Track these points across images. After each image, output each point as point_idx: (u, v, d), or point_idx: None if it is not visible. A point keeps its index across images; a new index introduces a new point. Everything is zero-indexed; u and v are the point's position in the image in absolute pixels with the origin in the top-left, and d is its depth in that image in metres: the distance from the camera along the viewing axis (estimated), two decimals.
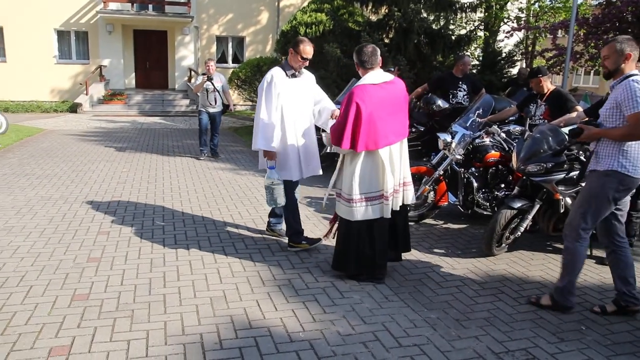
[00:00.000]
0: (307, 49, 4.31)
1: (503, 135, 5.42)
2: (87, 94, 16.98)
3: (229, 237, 4.90)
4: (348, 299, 3.73)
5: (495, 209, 5.54)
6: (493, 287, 4.11)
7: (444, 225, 5.70)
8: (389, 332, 3.29)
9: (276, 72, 4.32)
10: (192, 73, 18.83)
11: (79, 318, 3.27)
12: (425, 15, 11.00)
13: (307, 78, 4.58)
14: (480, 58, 12.71)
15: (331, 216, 4.48)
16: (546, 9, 15.24)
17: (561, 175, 4.48)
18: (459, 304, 3.77)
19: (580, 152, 4.55)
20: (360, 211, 3.86)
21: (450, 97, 6.87)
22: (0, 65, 17.63)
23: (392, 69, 8.64)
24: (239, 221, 5.41)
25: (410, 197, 4.16)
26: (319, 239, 4.69)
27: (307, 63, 4.39)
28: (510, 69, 12.86)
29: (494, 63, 11.75)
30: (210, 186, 6.96)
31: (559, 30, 12.15)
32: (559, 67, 13.22)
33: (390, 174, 3.85)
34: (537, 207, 4.63)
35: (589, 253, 4.93)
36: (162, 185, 6.95)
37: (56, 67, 18.16)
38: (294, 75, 4.40)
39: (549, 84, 5.37)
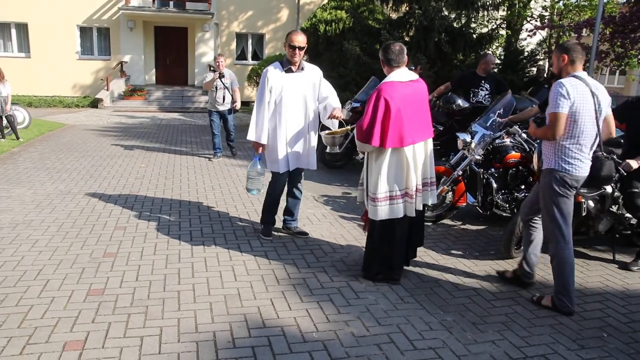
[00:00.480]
0: (294, 37, 4.37)
1: (524, 135, 5.31)
2: (108, 90, 17.16)
3: (244, 235, 4.89)
4: (363, 300, 3.69)
5: (515, 210, 5.46)
6: (511, 290, 4.03)
7: (462, 227, 5.61)
8: (403, 335, 3.24)
9: (271, 67, 4.44)
10: (211, 69, 18.89)
11: (93, 313, 3.28)
12: (446, 13, 10.85)
13: (310, 73, 4.56)
14: (502, 57, 12.51)
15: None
16: (571, 7, 14.93)
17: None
18: (475, 307, 3.71)
19: (604, 153, 4.44)
20: (385, 210, 3.81)
21: (471, 95, 6.76)
22: (24, 61, 17.89)
23: (413, 68, 8.55)
24: (255, 218, 5.40)
25: (434, 198, 4.13)
26: (270, 238, 4.81)
27: (302, 53, 4.40)
28: (532, 69, 12.65)
29: (515, 62, 11.56)
30: (227, 183, 6.96)
31: (584, 29, 11.88)
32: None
33: (414, 172, 3.82)
34: None
35: (611, 258, 4.82)
36: (179, 181, 6.98)
37: (78, 62, 18.38)
38: (289, 70, 4.44)
39: None
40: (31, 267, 3.93)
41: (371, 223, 3.92)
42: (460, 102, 6.59)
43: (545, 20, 13.99)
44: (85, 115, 14.77)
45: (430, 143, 4.01)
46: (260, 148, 4.56)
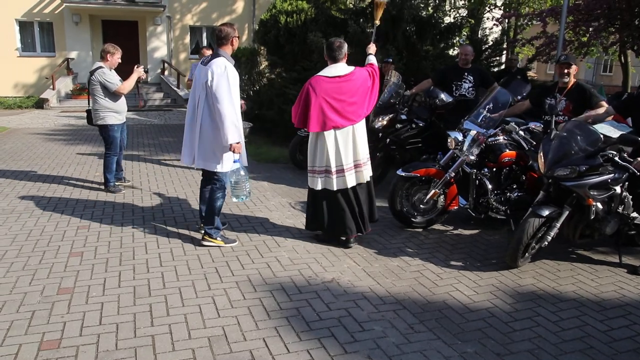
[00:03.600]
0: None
1: (522, 133, 4.94)
2: (53, 89, 16.01)
3: (221, 255, 4.31)
4: (369, 332, 3.20)
5: (508, 212, 5.10)
6: (527, 307, 3.63)
7: (455, 232, 5.21)
8: None
9: (227, 62, 4.27)
10: (165, 65, 17.98)
11: None
12: (413, 2, 10.46)
13: None
14: None
15: None
16: None
17: (596, 179, 4.02)
18: (494, 332, 3.28)
19: (614, 152, 4.10)
20: (311, 181, 4.53)
21: (454, 89, 6.35)
22: None
23: (390, 60, 8.11)
24: (229, 235, 4.82)
25: (367, 176, 4.63)
26: (235, 240, 4.67)
27: None
28: (497, 58, 12.46)
29: (479, 52, 11.30)
30: (194, 191, 6.33)
31: (547, 18, 11.76)
32: (546, 57, 12.88)
33: (334, 154, 4.40)
34: (565, 213, 4.17)
35: (617, 261, 4.52)
36: (140, 192, 6.29)
37: (19, 60, 17.10)
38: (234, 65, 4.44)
39: (573, 77, 4.89)
40: None
41: (308, 191, 4.62)
42: (443, 96, 6.17)
43: (511, 10, 13.83)
44: (29, 117, 13.67)
45: (358, 129, 4.48)
46: (238, 147, 4.30)
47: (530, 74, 13.41)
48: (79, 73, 17.45)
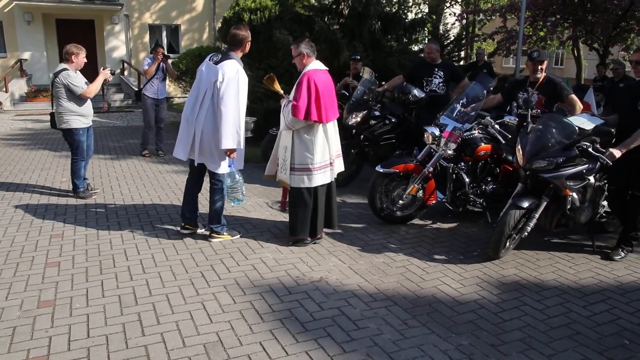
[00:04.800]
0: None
1: (497, 127, 5.03)
2: (6, 91, 15.34)
3: (205, 260, 4.23)
4: (365, 330, 3.20)
5: (484, 204, 5.21)
6: (513, 297, 3.72)
7: (434, 226, 5.28)
8: None
9: (240, 67, 4.28)
10: (125, 65, 17.51)
11: None
12: None
13: None
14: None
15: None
16: None
17: (572, 170, 4.15)
18: (486, 323, 3.34)
19: (588, 144, 4.23)
20: (320, 178, 4.42)
21: (425, 84, 6.42)
22: None
23: (358, 57, 8.13)
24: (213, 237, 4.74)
25: (341, 167, 4.75)
26: (239, 233, 4.81)
27: None
28: (458, 53, 12.69)
29: (442, 48, 11.48)
30: (167, 194, 6.19)
31: (507, 13, 12.05)
32: (505, 51, 13.19)
33: (330, 146, 4.48)
34: (544, 204, 4.29)
35: (590, 248, 4.67)
36: (111, 196, 6.10)
37: None
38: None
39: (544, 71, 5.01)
40: None
41: (299, 193, 4.43)
42: (416, 92, 6.23)
43: (471, 6, 14.10)
44: None
45: (336, 122, 4.61)
46: (234, 153, 4.35)
47: None
48: (33, 75, 16.81)
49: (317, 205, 4.51)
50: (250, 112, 10.07)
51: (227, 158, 4.37)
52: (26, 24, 16.56)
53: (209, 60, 4.38)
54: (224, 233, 4.66)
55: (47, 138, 10.44)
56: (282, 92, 4.66)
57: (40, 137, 10.55)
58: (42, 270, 3.98)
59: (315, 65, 4.39)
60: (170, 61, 8.54)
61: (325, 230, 4.74)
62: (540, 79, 4.98)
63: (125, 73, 17.67)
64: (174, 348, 2.94)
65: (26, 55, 16.69)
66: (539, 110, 4.95)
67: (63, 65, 5.74)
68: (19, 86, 15.89)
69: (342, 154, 4.77)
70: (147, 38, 18.29)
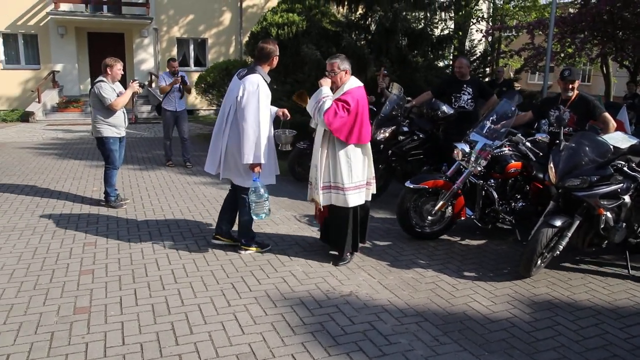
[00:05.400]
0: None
1: (528, 144, 5.00)
2: (39, 102, 15.77)
3: (235, 271, 4.26)
4: (396, 345, 3.19)
5: (513, 221, 5.16)
6: (546, 317, 3.66)
7: (463, 242, 5.24)
8: None
9: (261, 80, 4.27)
10: (153, 77, 17.85)
11: None
12: (404, 14, 10.57)
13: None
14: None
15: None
16: (517, 9, 15.16)
17: (606, 189, 4.10)
18: (519, 342, 3.30)
19: (623, 162, 4.18)
20: (361, 197, 4.39)
21: (453, 101, 6.43)
22: None
23: (385, 71, 8.17)
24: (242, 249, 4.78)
25: (374, 189, 4.62)
26: (269, 245, 4.81)
27: None
28: (485, 69, 12.64)
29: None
30: (196, 205, 6.27)
31: (535, 30, 12.00)
32: (532, 68, 13.10)
33: (368, 165, 4.45)
34: (577, 223, 4.23)
35: (625, 268, 4.59)
36: (141, 206, 6.21)
37: (3, 73, 16.83)
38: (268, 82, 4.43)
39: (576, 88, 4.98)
40: None
41: (344, 212, 4.38)
42: (444, 108, 6.23)
43: (498, 22, 14.09)
44: (15, 130, 13.42)
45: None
46: (258, 168, 4.31)
47: (516, 84, 13.65)
48: (65, 86, 17.25)
49: (355, 225, 4.51)
50: (275, 125, 10.22)
51: (252, 173, 4.35)
52: (60, 37, 17.04)
53: (237, 75, 4.43)
54: (253, 246, 4.68)
55: (78, 148, 10.68)
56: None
57: (71, 147, 10.79)
58: (77, 277, 4.06)
59: (356, 83, 4.33)
60: (181, 74, 8.72)
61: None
62: (573, 97, 4.95)
63: (153, 85, 18.00)
64: (208, 358, 2.96)
65: (58, 67, 17.14)
66: (571, 128, 4.91)
67: (101, 77, 5.90)
68: (51, 97, 16.32)
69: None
70: (174, 51, 18.63)
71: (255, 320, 3.43)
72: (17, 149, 10.34)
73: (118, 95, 5.93)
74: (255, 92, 4.16)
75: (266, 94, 4.24)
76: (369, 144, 4.41)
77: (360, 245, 4.74)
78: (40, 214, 5.78)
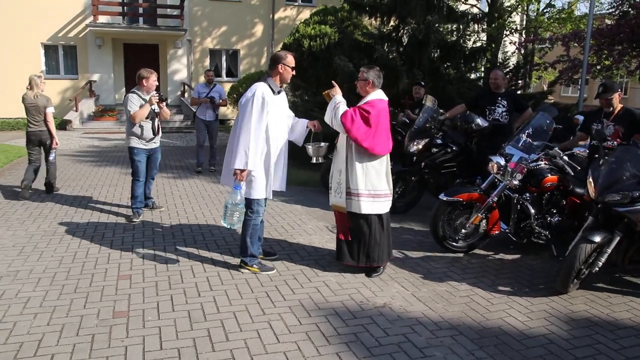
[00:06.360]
0: (293, 58, 4.40)
1: (566, 158, 4.92)
2: (76, 110, 16.25)
3: (269, 280, 4.30)
4: (431, 358, 3.17)
5: (549, 236, 5.07)
6: (584, 334, 3.58)
7: (497, 256, 5.18)
8: None
9: (265, 89, 4.22)
10: (186, 87, 18.20)
11: None
12: (437, 26, 10.56)
13: (284, 95, 4.52)
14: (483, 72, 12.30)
15: None
16: (552, 20, 14.98)
17: None
18: (555, 359, 3.23)
19: None
20: (379, 206, 4.40)
21: (487, 113, 6.37)
22: None
23: (422, 83, 8.17)
24: (280, 256, 4.82)
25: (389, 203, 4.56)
26: (273, 268, 4.54)
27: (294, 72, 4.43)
28: (519, 82, 12.48)
29: None
30: None
31: (570, 42, 11.81)
32: (567, 80, 12.89)
33: (388, 177, 4.48)
34: (617, 239, 4.13)
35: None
36: (176, 214, 6.32)
37: (44, 82, 17.36)
38: (278, 92, 4.36)
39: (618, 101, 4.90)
40: (28, 337, 3.25)
41: (369, 220, 4.40)
42: (479, 121, 6.18)
43: (531, 35, 13.93)
44: None
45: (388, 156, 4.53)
46: (241, 175, 4.17)
47: (549, 97, 13.45)
48: (101, 95, 17.73)
49: (382, 233, 4.48)
50: (307, 137, 10.29)
51: (258, 183, 4.27)
52: (97, 48, 17.56)
53: None
54: (253, 266, 4.46)
55: (113, 156, 10.94)
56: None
57: (107, 155, 11.06)
58: (115, 282, 4.16)
59: (378, 95, 4.38)
60: (212, 94, 9.00)
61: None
62: (617, 110, 4.87)
63: (186, 95, 18.35)
64: None
65: (95, 77, 17.65)
66: (615, 142, 4.81)
67: (135, 88, 5.93)
68: (87, 106, 16.79)
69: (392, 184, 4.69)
70: (207, 62, 18.99)
71: (290, 329, 3.45)
72: (57, 156, 10.62)
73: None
74: (250, 99, 4.11)
75: (260, 101, 4.12)
76: (385, 157, 4.41)
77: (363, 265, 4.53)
78: (78, 219, 5.94)
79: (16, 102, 16.41)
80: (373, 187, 4.34)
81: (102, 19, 17.27)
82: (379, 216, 4.43)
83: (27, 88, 7.00)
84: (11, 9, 16.44)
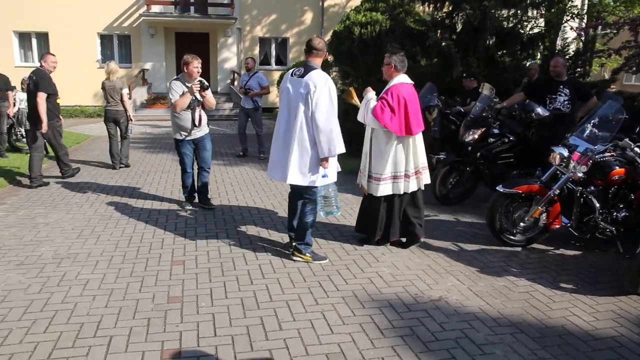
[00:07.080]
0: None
1: (637, 150, 4.62)
2: (130, 98, 16.55)
3: (322, 269, 4.25)
4: (491, 356, 3.04)
5: (615, 232, 4.78)
6: None
7: (557, 252, 4.94)
8: None
9: (328, 76, 4.23)
10: (235, 75, 18.36)
11: None
12: (493, 12, 10.17)
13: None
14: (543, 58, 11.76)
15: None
16: (619, 3, 14.16)
17: None
18: None
19: None
20: (386, 188, 4.58)
21: (548, 102, 6.07)
22: None
23: (472, 77, 7.91)
24: (324, 247, 4.77)
25: (427, 179, 4.77)
26: (325, 257, 4.51)
27: None
28: (579, 70, 11.89)
29: None
30: (280, 202, 6.34)
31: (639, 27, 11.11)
32: (635, 67, 12.17)
33: (413, 157, 4.61)
34: None
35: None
36: (227, 201, 6.36)
37: (99, 71, 17.86)
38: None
39: None
40: (87, 318, 3.32)
41: (374, 200, 4.66)
42: (539, 110, 5.89)
43: (594, 19, 13.21)
44: None
45: (420, 135, 4.66)
46: (327, 163, 4.22)
47: (612, 86, 12.76)
48: (153, 83, 18.12)
49: (392, 214, 4.69)
50: (358, 125, 10.18)
51: (319, 170, 4.20)
52: (150, 37, 17.92)
53: (292, 75, 4.25)
54: (307, 254, 4.42)
55: (165, 143, 11.16)
56: (360, 105, 4.70)
57: (159, 142, 11.29)
58: (169, 267, 4.21)
59: (401, 79, 4.54)
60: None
61: (424, 239, 4.91)
62: None
63: (235, 83, 18.51)
64: (297, 355, 2.95)
65: (148, 65, 18.04)
66: None
67: (180, 75, 5.66)
68: (140, 94, 17.19)
69: (423, 170, 4.77)
70: (257, 50, 19.06)
71: (343, 320, 3.38)
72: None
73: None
74: (325, 86, 4.06)
75: (334, 89, 4.15)
76: (417, 136, 4.59)
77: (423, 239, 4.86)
78: (133, 204, 6.07)
79: (74, 90, 17.05)
80: (391, 169, 4.55)
81: (154, 8, 17.59)
82: (409, 194, 4.68)
83: (106, 73, 8.08)
84: (72, 1, 16.99)
